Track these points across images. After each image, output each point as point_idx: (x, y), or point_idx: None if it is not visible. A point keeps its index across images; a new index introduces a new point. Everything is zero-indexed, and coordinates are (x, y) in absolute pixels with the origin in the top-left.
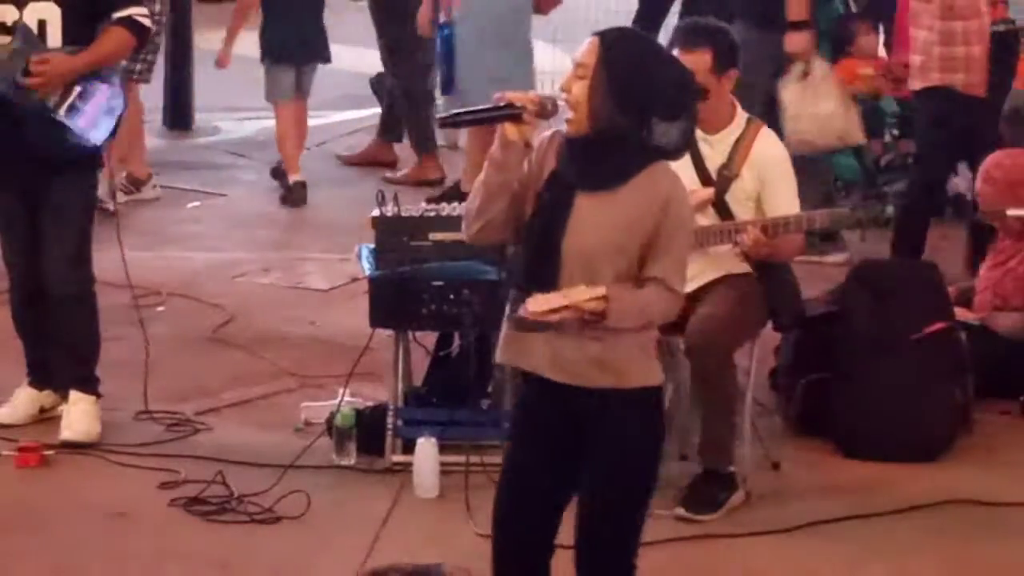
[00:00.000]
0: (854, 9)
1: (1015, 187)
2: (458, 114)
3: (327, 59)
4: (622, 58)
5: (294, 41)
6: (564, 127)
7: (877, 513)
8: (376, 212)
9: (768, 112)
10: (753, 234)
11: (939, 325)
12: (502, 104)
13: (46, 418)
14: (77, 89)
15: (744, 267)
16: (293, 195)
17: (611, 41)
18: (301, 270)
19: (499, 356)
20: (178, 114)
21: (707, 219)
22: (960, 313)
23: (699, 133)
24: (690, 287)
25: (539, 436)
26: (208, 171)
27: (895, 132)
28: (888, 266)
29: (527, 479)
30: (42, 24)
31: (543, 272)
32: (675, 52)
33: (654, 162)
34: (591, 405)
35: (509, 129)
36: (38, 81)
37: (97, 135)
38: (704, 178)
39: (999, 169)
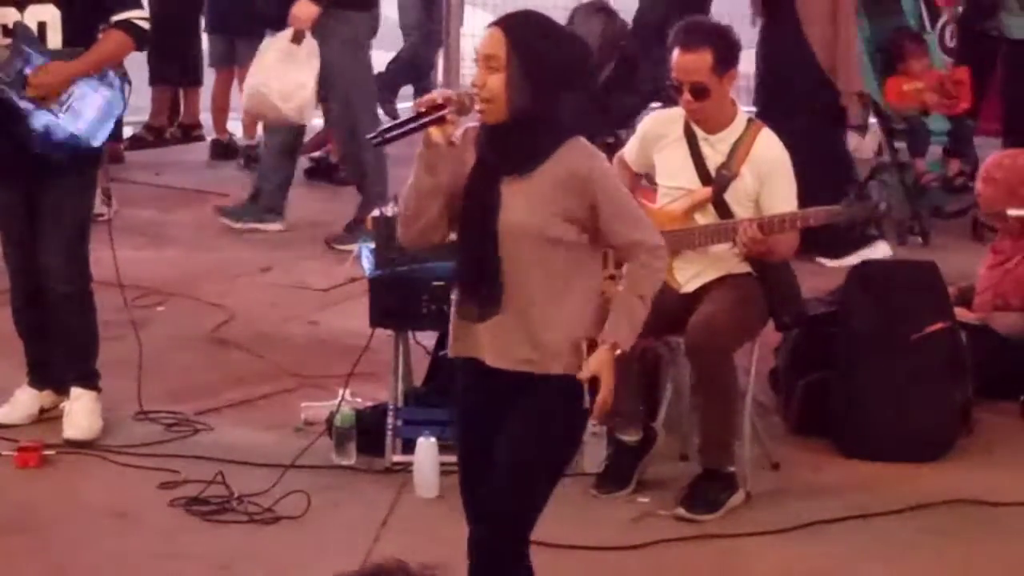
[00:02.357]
0: (927, 25)
1: (1015, 187)
2: (386, 130)
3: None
4: (531, 43)
5: (227, 12)
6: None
7: (877, 513)
8: (376, 212)
9: None
10: (749, 232)
11: (939, 325)
12: (423, 109)
13: (46, 418)
14: (76, 92)
15: (744, 267)
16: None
17: (516, 28)
18: (301, 270)
19: (451, 351)
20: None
21: (707, 218)
22: (960, 313)
23: (700, 133)
24: (690, 287)
25: (481, 417)
26: (209, 171)
27: (947, 149)
28: (888, 266)
29: (480, 460)
30: (42, 26)
31: (482, 260)
32: (675, 52)
33: (569, 138)
34: (520, 385)
35: (433, 131)
36: (38, 92)
37: (96, 137)
38: (704, 177)
39: (1000, 170)
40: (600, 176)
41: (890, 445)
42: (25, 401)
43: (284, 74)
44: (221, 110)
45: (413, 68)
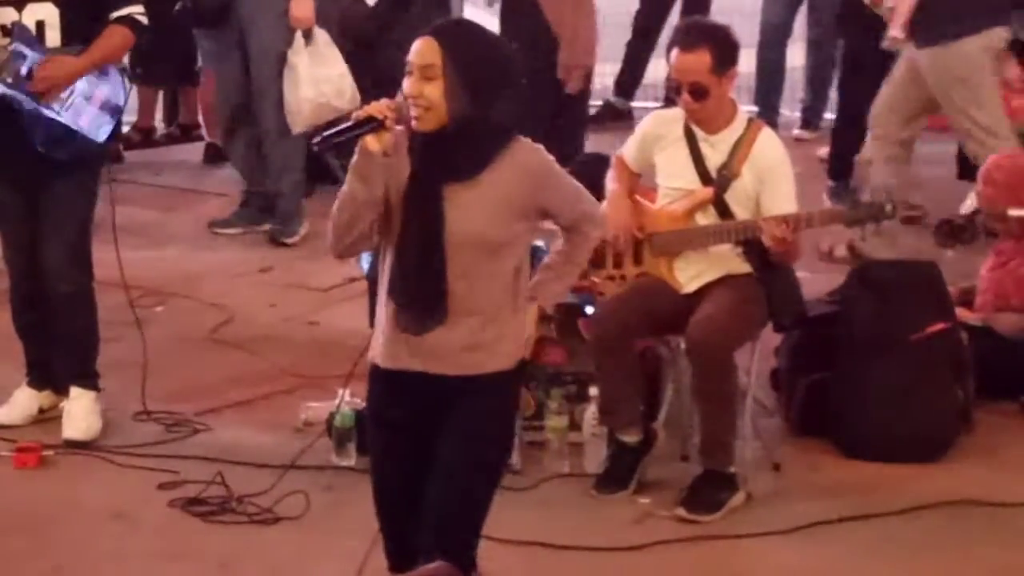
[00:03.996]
0: None
1: (1016, 188)
2: (326, 137)
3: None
4: (467, 51)
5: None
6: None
7: (878, 514)
8: None
9: None
10: (780, 229)
11: (940, 325)
12: (363, 117)
13: (45, 418)
14: (77, 88)
15: (744, 267)
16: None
17: (450, 37)
18: (301, 270)
19: (385, 362)
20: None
21: (707, 219)
22: (961, 313)
23: (700, 133)
24: (691, 287)
25: (401, 432)
26: (208, 171)
27: None
28: (889, 266)
29: (399, 476)
30: (40, 25)
31: (429, 273)
32: (674, 52)
33: (511, 140)
34: (458, 387)
35: (370, 141)
36: (42, 86)
37: (98, 134)
38: (704, 178)
39: (1000, 171)
40: (550, 167)
41: (890, 445)
42: (23, 401)
43: (326, 74)
44: (213, 111)
45: None
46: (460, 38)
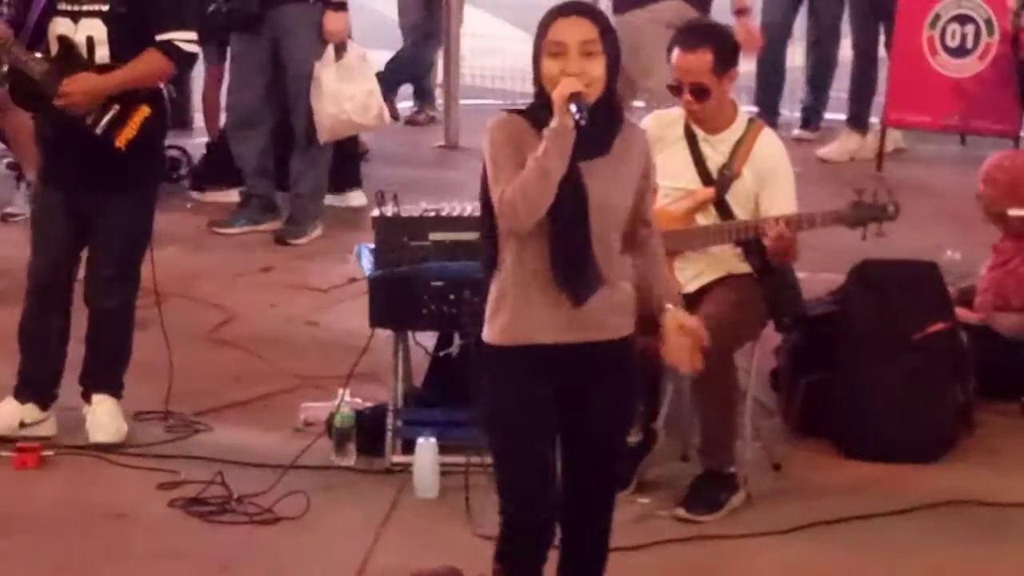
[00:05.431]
0: None
1: (1016, 188)
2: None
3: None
4: (611, 27)
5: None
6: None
7: (878, 514)
8: (376, 212)
9: None
10: (774, 231)
11: (940, 325)
12: (571, 94)
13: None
14: (116, 107)
15: (745, 267)
16: None
17: (596, 14)
18: (301, 270)
19: (540, 337)
20: (177, 114)
21: (708, 219)
22: (961, 313)
23: (700, 133)
24: (690, 287)
25: (537, 408)
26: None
27: None
28: (889, 266)
29: (538, 453)
30: (90, 40)
31: (581, 246)
32: (675, 52)
33: (624, 118)
34: (606, 355)
35: (568, 117)
36: (66, 101)
37: (138, 153)
38: (705, 178)
39: (1000, 170)
40: (651, 153)
41: (891, 445)
42: (5, 413)
43: (351, 91)
44: (213, 107)
45: (413, 68)
46: (603, 15)
